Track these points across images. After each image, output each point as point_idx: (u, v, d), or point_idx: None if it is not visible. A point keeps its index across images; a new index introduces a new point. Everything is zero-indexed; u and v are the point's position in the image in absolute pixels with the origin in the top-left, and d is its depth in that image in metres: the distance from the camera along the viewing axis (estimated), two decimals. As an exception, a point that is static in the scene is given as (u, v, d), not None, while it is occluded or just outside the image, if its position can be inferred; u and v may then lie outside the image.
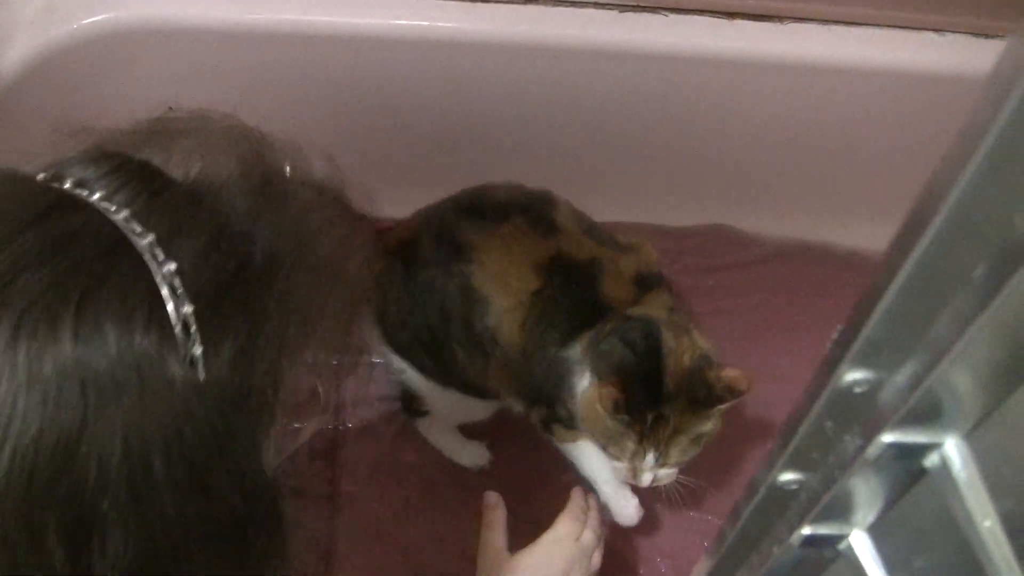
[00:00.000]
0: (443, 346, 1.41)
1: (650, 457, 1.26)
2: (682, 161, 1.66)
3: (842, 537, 0.42)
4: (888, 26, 1.44)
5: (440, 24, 1.46)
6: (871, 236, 1.79)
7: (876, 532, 0.41)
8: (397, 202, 1.56)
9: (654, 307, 1.33)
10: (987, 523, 0.34)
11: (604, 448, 1.31)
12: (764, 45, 1.46)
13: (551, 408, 1.37)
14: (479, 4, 1.47)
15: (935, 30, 1.44)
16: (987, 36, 1.44)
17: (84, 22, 1.47)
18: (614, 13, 1.46)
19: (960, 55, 1.45)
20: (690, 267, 1.74)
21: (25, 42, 1.46)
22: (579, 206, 1.42)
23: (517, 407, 1.46)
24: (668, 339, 1.28)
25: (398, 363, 1.50)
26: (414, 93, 1.56)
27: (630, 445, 1.26)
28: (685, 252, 1.76)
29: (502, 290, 1.35)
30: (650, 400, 1.25)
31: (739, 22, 1.45)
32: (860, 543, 0.42)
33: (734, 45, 1.46)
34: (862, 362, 0.38)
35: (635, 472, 1.29)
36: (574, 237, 1.37)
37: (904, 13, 1.43)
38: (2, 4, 1.47)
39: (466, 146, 1.64)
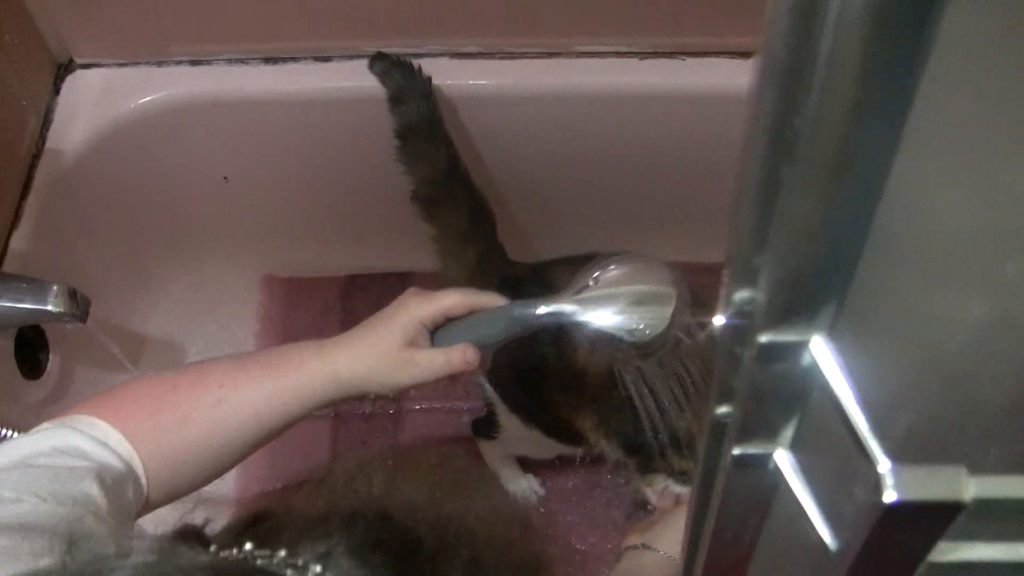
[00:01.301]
0: (541, 386, 1.46)
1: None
2: (708, 197, 1.71)
3: (768, 456, 0.49)
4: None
5: (472, 82, 1.56)
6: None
7: (794, 447, 0.48)
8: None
9: None
10: (852, 411, 0.41)
11: None
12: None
13: (651, 459, 1.40)
14: (507, 61, 1.57)
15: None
16: None
17: (141, 100, 1.59)
18: (634, 61, 1.55)
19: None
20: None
21: (89, 121, 1.58)
22: (612, 246, 1.47)
23: (612, 453, 1.49)
24: None
25: (491, 392, 1.55)
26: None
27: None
28: (717, 287, 1.81)
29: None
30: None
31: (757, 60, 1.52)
32: (782, 458, 0.48)
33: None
34: (745, 283, 0.43)
35: None
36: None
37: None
38: (67, 87, 1.59)
39: (505, 197, 1.72)
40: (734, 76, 1.54)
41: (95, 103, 1.59)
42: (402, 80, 1.49)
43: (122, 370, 1.72)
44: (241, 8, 1.52)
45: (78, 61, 1.62)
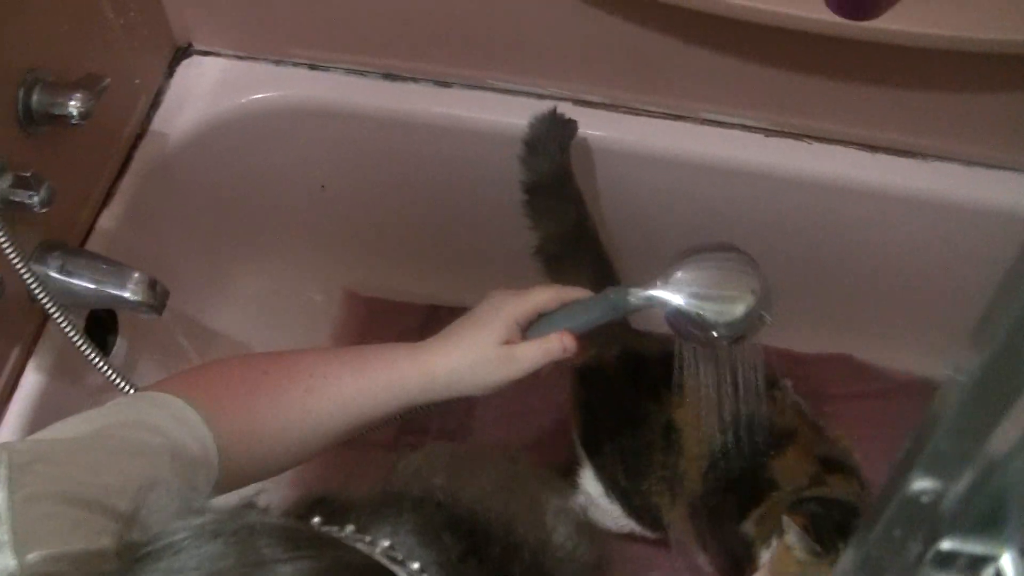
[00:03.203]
0: (640, 474, 1.44)
1: None
2: (812, 287, 1.67)
3: None
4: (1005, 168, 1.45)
5: (592, 132, 1.51)
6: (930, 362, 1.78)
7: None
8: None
9: (840, 490, 1.32)
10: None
11: None
12: (904, 180, 1.47)
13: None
14: (632, 116, 1.52)
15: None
16: None
17: (252, 97, 1.56)
18: (759, 136, 1.50)
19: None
20: (810, 394, 1.74)
21: (198, 109, 1.56)
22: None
23: (699, 557, 1.48)
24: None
25: (580, 451, 1.53)
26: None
27: None
28: (807, 378, 1.76)
29: (694, 436, 1.38)
30: (840, 531, 1.23)
31: (881, 156, 1.47)
32: None
33: (874, 177, 1.48)
34: (928, 471, 0.39)
35: None
36: (780, 404, 1.40)
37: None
38: (182, 71, 1.57)
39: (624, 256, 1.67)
40: (857, 167, 1.49)
41: (207, 92, 1.56)
42: (543, 129, 1.44)
43: (187, 363, 1.68)
44: (368, 19, 1.49)
45: (197, 47, 1.59)
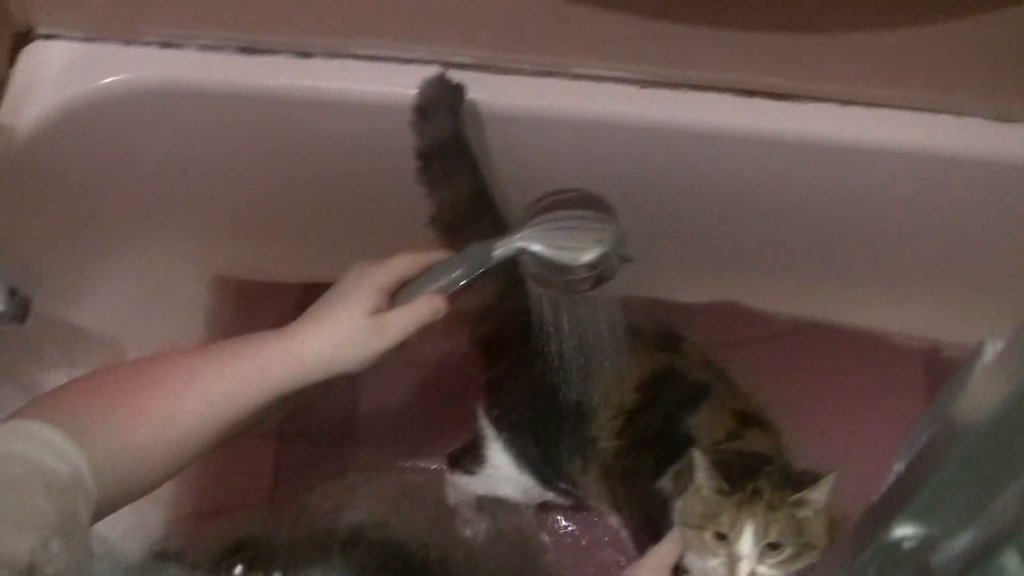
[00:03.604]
0: (550, 441, 1.42)
1: (748, 534, 1.20)
2: (694, 237, 1.66)
3: None
4: (907, 108, 1.44)
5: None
6: (883, 316, 1.80)
7: None
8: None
9: (757, 445, 1.32)
10: None
11: (702, 550, 1.24)
12: (781, 123, 1.46)
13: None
14: (499, 76, 1.48)
15: (953, 113, 1.44)
16: (1004, 120, 1.44)
17: (102, 81, 1.48)
18: (635, 88, 1.46)
19: (976, 139, 1.45)
20: (700, 344, 1.74)
21: (46, 99, 1.46)
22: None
23: (612, 519, 1.47)
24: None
25: (485, 425, 1.50)
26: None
27: (725, 520, 1.20)
28: (695, 329, 1.75)
29: (605, 397, 1.38)
30: (750, 474, 1.22)
31: (758, 100, 1.46)
32: None
33: (752, 122, 1.46)
34: (915, 518, 0.37)
35: (733, 566, 1.20)
36: (693, 361, 1.40)
37: (924, 95, 1.43)
38: (25, 58, 1.48)
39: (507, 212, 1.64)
40: (733, 113, 1.48)
41: (54, 79, 1.47)
42: (431, 91, 1.40)
43: (55, 368, 1.61)
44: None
45: (39, 31, 1.50)
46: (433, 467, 1.64)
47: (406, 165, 1.55)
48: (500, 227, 1.43)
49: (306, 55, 1.48)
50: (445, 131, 1.40)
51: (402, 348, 1.10)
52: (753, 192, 1.56)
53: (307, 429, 1.71)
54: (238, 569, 0.56)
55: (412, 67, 1.46)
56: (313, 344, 1.04)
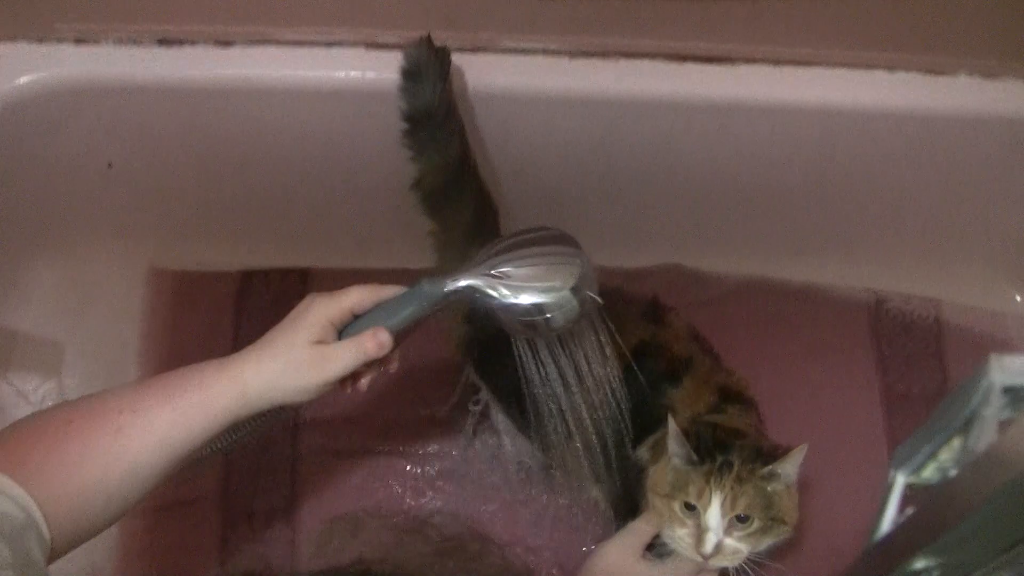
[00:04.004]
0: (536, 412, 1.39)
1: (715, 505, 1.20)
2: (634, 203, 1.65)
3: None
4: (839, 65, 1.43)
5: (388, 76, 1.43)
6: (827, 271, 1.80)
7: None
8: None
9: (736, 421, 1.31)
10: None
11: (671, 519, 1.25)
12: (714, 87, 1.45)
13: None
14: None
15: (886, 68, 1.43)
16: (937, 73, 1.43)
17: (17, 82, 1.44)
18: (564, 60, 1.44)
19: (910, 93, 1.44)
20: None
21: (-42, 104, 1.41)
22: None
23: (593, 492, 1.48)
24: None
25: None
26: (362, 145, 1.54)
27: (693, 490, 1.21)
28: (640, 294, 1.75)
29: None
30: (721, 447, 1.22)
31: (690, 65, 1.44)
32: None
33: (685, 88, 1.45)
34: (938, 553, 0.36)
35: (700, 536, 1.21)
36: (677, 334, 1.39)
37: (854, 52, 1.42)
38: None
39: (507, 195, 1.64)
40: (667, 79, 1.45)
41: (-36, 83, 1.43)
42: (419, 54, 1.35)
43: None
44: (134, -17, 1.37)
45: (-55, 32, 1.45)
46: (386, 449, 1.65)
47: (333, 149, 1.53)
48: (484, 196, 1.46)
49: (226, 44, 1.44)
50: (432, 96, 1.36)
51: (345, 383, 1.09)
52: (690, 156, 1.55)
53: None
54: None
55: (335, 50, 1.43)
56: (257, 370, 1.02)
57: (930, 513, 0.40)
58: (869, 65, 1.43)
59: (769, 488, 1.21)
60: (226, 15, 1.41)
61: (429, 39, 1.35)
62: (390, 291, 1.10)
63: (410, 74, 1.36)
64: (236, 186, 1.65)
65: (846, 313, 1.78)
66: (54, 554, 0.89)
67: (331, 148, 1.55)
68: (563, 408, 1.30)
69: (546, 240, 1.13)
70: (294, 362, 1.03)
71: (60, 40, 1.44)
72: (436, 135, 1.39)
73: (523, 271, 1.09)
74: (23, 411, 1.59)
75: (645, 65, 1.45)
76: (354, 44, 1.43)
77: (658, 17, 1.39)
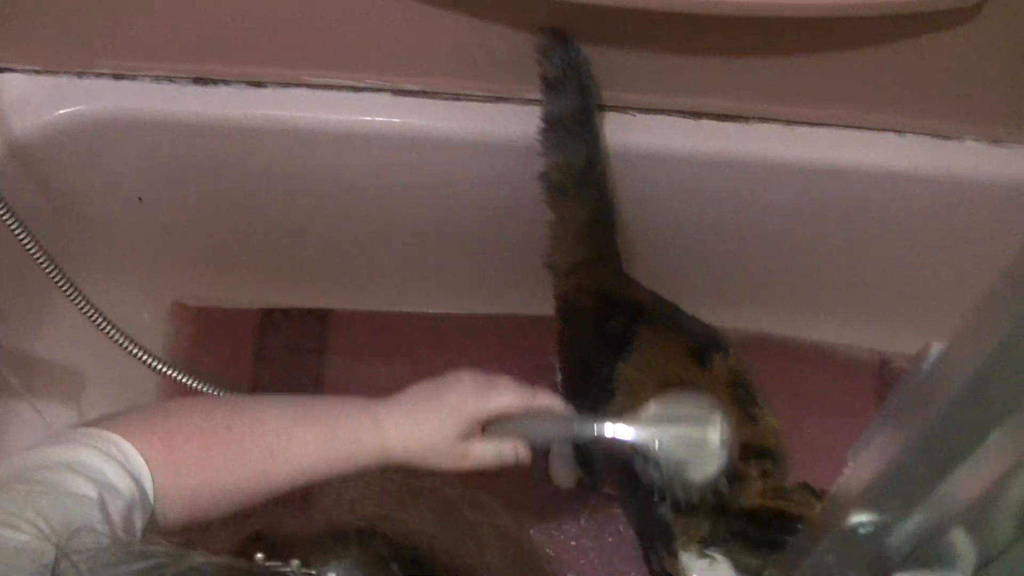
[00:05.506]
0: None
1: None
2: (641, 255, 1.68)
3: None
4: (850, 127, 1.47)
5: (411, 122, 1.48)
6: (833, 330, 1.82)
7: None
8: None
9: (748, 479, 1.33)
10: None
11: None
12: (728, 144, 1.48)
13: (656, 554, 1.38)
14: (451, 102, 1.49)
15: (895, 131, 1.47)
16: (944, 137, 1.47)
17: (56, 113, 1.49)
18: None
19: (919, 155, 1.48)
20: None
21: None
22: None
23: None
24: None
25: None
26: (386, 189, 1.58)
27: None
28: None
29: (629, 394, 1.38)
30: (764, 543, 1.26)
31: (705, 122, 1.48)
32: None
33: (699, 144, 1.49)
34: (869, 506, 0.40)
35: None
36: (717, 379, 1.40)
37: (865, 114, 1.46)
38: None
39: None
40: (683, 135, 1.50)
41: (7, 112, 1.48)
42: (562, 65, 1.38)
43: (18, 398, 1.61)
44: (173, 24, 1.42)
45: (-9, 64, 1.50)
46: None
47: (359, 192, 1.56)
48: (605, 205, 1.51)
49: (259, 85, 1.49)
50: (573, 101, 1.41)
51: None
52: (699, 210, 1.59)
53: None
54: (259, 556, 0.58)
55: (364, 95, 1.48)
56: (404, 444, 1.07)
57: (860, 469, 0.43)
58: (881, 127, 1.47)
59: None
60: (260, 57, 1.46)
61: (564, 35, 1.37)
62: (543, 400, 1.14)
63: (551, 84, 1.40)
64: (260, 225, 1.70)
65: (851, 373, 1.80)
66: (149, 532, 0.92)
67: (355, 191, 1.59)
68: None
69: (695, 403, 1.15)
70: (437, 448, 1.08)
71: (99, 75, 1.49)
72: (565, 138, 1.43)
73: (681, 439, 1.12)
74: (42, 431, 1.62)
75: (661, 120, 1.50)
76: (380, 90, 1.48)
77: (678, 76, 1.44)
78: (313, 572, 0.58)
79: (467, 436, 1.10)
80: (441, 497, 0.76)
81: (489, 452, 1.11)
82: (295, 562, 0.58)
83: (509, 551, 0.70)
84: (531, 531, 1.57)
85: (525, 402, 1.13)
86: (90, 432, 0.90)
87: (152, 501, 0.90)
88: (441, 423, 1.09)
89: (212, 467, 0.97)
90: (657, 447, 1.11)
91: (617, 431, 1.12)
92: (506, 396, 1.12)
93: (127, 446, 0.89)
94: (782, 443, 1.40)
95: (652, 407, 1.13)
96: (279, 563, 0.58)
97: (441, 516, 0.69)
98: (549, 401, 1.15)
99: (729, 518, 1.29)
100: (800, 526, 1.25)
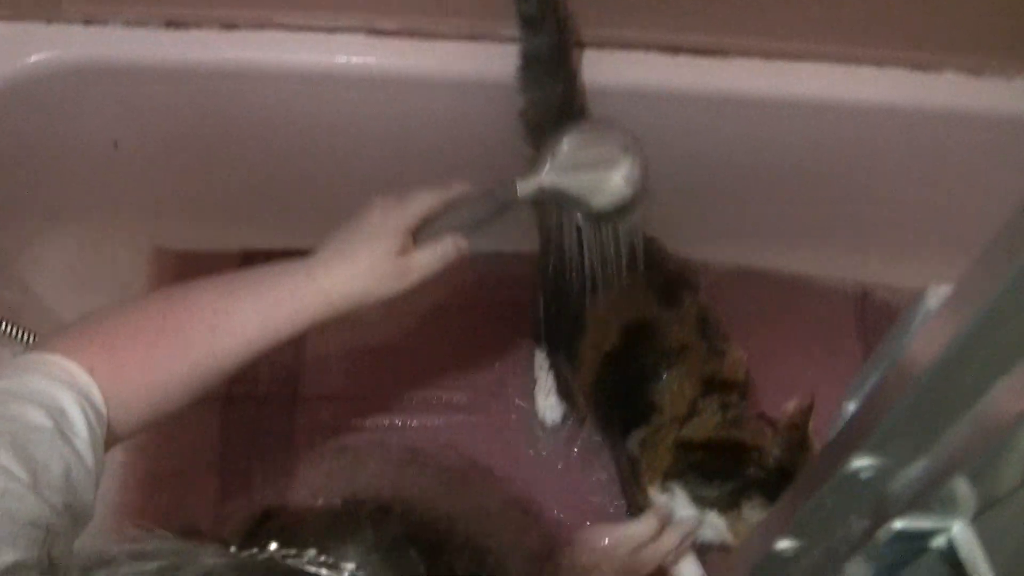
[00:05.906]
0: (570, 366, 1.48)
1: None
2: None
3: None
4: (829, 60, 1.46)
5: (386, 62, 1.47)
6: (814, 262, 1.82)
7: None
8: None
9: (709, 420, 1.34)
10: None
11: None
12: (705, 79, 1.47)
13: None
14: (425, 41, 1.48)
15: (874, 64, 1.46)
16: (924, 70, 1.46)
17: (26, 61, 1.47)
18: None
19: (897, 89, 1.47)
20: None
21: (-32, 82, 1.44)
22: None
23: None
24: None
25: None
26: (362, 131, 1.57)
27: None
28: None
29: (592, 327, 1.41)
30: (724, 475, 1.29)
31: (682, 57, 1.47)
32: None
33: (676, 79, 1.48)
34: (871, 451, 0.40)
35: None
36: (686, 318, 1.41)
37: (844, 47, 1.45)
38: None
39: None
40: (661, 71, 1.49)
41: (-25, 62, 1.46)
42: (538, 1, 1.38)
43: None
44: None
45: (-44, 12, 1.48)
46: (386, 424, 1.69)
47: (337, 134, 1.55)
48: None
49: (231, 27, 1.47)
50: (548, 46, 1.41)
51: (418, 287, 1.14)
52: (677, 146, 1.58)
53: (252, 392, 1.72)
54: (273, 545, 0.58)
55: (338, 36, 1.46)
56: (344, 283, 1.08)
57: (862, 413, 0.44)
58: (856, 60, 1.46)
59: None
60: (231, -1, 1.44)
61: None
62: (456, 189, 1.16)
63: (528, 24, 1.40)
64: (238, 168, 1.68)
65: (832, 304, 1.80)
66: (115, 439, 0.93)
67: (332, 133, 1.58)
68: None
69: (608, 132, 1.21)
70: (380, 275, 1.09)
71: (69, 21, 1.47)
72: (542, 77, 1.43)
73: (590, 167, 1.18)
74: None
75: (635, 56, 1.48)
76: (355, 30, 1.46)
77: (652, 8, 1.42)
78: (330, 561, 0.57)
79: (403, 252, 1.11)
80: (446, 472, 0.76)
81: (429, 256, 1.13)
82: (311, 552, 0.57)
83: (517, 524, 0.70)
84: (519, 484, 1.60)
85: (442, 196, 1.15)
86: (31, 358, 0.90)
87: (105, 412, 0.90)
88: (372, 248, 1.09)
89: (157, 361, 0.97)
90: (567, 190, 1.17)
91: (529, 184, 1.16)
92: (423, 199, 1.14)
93: (70, 364, 0.89)
94: (747, 376, 1.42)
95: (564, 147, 1.18)
96: (293, 551, 0.58)
97: (450, 492, 0.69)
98: (462, 187, 1.17)
99: (687, 451, 1.31)
100: (752, 456, 1.27)
